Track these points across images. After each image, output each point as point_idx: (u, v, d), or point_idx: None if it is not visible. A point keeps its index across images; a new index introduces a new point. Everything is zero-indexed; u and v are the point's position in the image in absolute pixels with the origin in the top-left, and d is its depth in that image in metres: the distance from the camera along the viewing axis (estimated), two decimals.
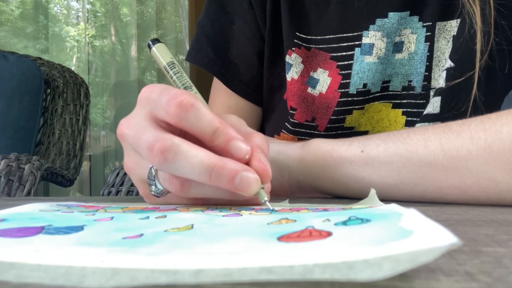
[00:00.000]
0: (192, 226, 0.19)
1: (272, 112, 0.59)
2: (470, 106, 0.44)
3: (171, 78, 0.35)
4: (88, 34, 2.14)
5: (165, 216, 0.22)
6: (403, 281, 0.12)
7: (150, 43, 0.37)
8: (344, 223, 0.17)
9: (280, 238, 0.15)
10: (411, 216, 0.17)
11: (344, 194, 0.37)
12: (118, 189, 0.97)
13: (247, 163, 0.27)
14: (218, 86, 0.60)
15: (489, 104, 0.46)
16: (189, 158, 0.25)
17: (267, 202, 0.26)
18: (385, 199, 0.27)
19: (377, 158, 0.34)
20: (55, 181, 1.33)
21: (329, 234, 0.15)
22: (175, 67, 0.35)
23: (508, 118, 0.30)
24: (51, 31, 2.06)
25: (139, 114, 0.28)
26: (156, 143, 0.25)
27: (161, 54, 0.36)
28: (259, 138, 0.29)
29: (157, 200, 0.31)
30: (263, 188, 0.26)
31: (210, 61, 0.58)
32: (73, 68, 1.75)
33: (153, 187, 0.29)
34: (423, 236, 0.13)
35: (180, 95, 0.26)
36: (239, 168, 0.25)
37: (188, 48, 2.60)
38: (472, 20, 0.43)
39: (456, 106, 0.46)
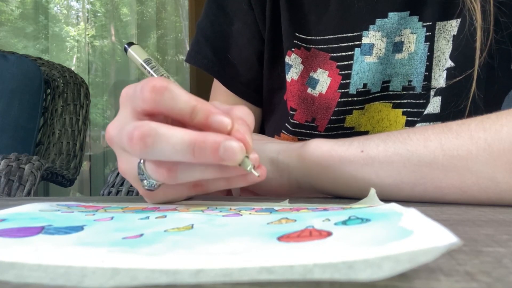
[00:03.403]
0: (192, 226, 0.19)
1: (272, 113, 0.59)
2: (469, 104, 0.44)
3: (149, 73, 0.36)
4: (88, 34, 2.14)
5: (165, 216, 0.22)
6: (403, 281, 0.12)
7: (126, 46, 0.39)
8: (344, 222, 0.17)
9: (280, 238, 0.15)
10: (411, 215, 0.17)
11: (344, 194, 0.37)
12: (118, 189, 0.97)
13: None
14: (217, 87, 0.60)
15: (489, 102, 0.46)
16: (169, 139, 0.25)
17: (253, 170, 0.26)
18: (385, 199, 0.27)
19: (377, 158, 0.34)
20: (55, 181, 1.33)
21: (329, 234, 0.15)
22: (151, 63, 0.36)
23: (508, 118, 0.30)
24: (51, 31, 2.06)
25: (122, 114, 0.29)
26: (134, 132, 0.25)
27: (137, 54, 0.38)
28: (240, 109, 0.29)
29: (155, 195, 0.31)
30: (247, 157, 0.27)
31: (210, 62, 0.58)
32: (73, 68, 1.75)
33: (145, 181, 0.29)
34: (423, 236, 0.13)
35: (152, 80, 0.26)
36: (220, 138, 0.25)
37: (188, 48, 2.59)
38: (473, 17, 0.43)
39: (455, 105, 0.45)
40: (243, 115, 0.29)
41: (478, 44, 0.43)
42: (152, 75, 0.36)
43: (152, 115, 0.27)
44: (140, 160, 0.28)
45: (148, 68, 0.36)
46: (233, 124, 0.27)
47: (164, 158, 0.26)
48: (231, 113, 0.29)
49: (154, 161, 0.27)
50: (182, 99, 0.26)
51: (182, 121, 0.27)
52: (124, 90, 0.29)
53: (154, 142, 0.25)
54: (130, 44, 0.39)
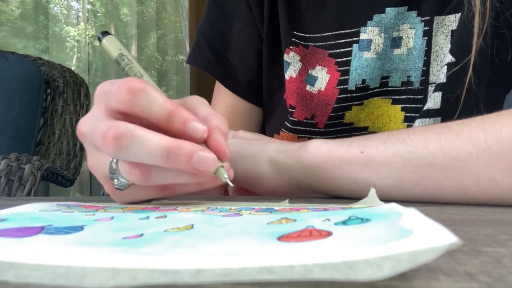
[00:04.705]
0: (192, 226, 0.19)
1: (272, 112, 0.59)
2: (465, 89, 0.44)
3: (124, 70, 0.35)
4: (88, 34, 2.14)
5: (165, 216, 0.22)
6: (403, 281, 0.12)
7: (100, 36, 0.36)
8: (344, 222, 0.17)
9: (280, 238, 0.15)
10: (411, 215, 0.17)
11: (343, 195, 0.37)
12: None
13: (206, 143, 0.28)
14: (219, 87, 0.60)
15: (491, 94, 0.46)
16: (145, 142, 0.25)
17: (227, 179, 0.27)
18: (385, 200, 0.27)
19: (377, 158, 0.34)
20: (55, 181, 1.33)
21: (329, 233, 0.15)
22: (124, 59, 0.35)
23: (508, 118, 0.30)
24: (51, 31, 2.05)
25: (95, 111, 0.29)
26: (109, 131, 0.25)
27: (111, 46, 0.36)
28: (216, 118, 0.30)
29: (122, 195, 0.30)
30: (222, 166, 0.27)
31: (209, 63, 0.58)
32: (73, 68, 1.75)
33: (116, 180, 0.28)
34: (423, 236, 0.13)
35: (129, 81, 0.26)
36: (195, 148, 0.25)
37: (188, 48, 2.59)
38: (472, 2, 0.43)
39: (453, 92, 0.45)
40: (219, 124, 0.29)
41: (475, 30, 0.43)
42: (126, 72, 0.35)
43: (126, 115, 0.27)
44: (113, 159, 0.28)
45: (122, 64, 0.35)
46: (210, 133, 0.27)
47: (137, 160, 0.26)
48: (208, 121, 0.29)
49: (129, 162, 0.27)
50: (158, 102, 0.26)
51: (157, 125, 0.27)
52: (100, 86, 0.29)
53: (129, 143, 0.25)
54: (105, 33, 0.36)
